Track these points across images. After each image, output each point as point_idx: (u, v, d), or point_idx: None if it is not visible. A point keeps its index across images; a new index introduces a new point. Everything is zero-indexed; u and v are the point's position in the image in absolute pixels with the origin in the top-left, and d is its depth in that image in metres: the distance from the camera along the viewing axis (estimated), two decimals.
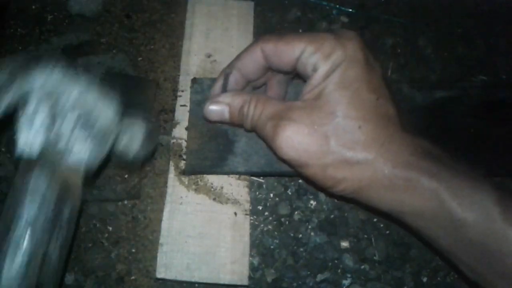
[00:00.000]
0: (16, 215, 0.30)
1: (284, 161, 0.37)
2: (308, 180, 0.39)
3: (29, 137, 0.31)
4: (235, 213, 0.44)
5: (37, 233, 0.30)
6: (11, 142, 0.32)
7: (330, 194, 0.40)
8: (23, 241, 0.29)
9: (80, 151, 0.33)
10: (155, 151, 0.42)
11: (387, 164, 0.34)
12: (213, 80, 0.47)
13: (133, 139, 0.36)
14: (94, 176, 0.36)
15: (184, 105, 0.48)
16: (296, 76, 0.42)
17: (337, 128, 0.34)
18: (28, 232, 0.30)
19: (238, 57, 0.40)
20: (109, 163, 0.42)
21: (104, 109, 0.34)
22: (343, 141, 0.34)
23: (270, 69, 0.40)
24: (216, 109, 0.40)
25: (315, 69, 0.36)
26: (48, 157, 0.32)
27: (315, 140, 0.35)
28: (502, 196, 0.32)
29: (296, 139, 0.35)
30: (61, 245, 0.32)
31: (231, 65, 0.41)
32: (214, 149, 0.44)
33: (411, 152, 0.34)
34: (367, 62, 0.36)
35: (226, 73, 0.40)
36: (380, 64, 0.38)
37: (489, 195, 0.32)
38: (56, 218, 0.31)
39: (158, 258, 0.42)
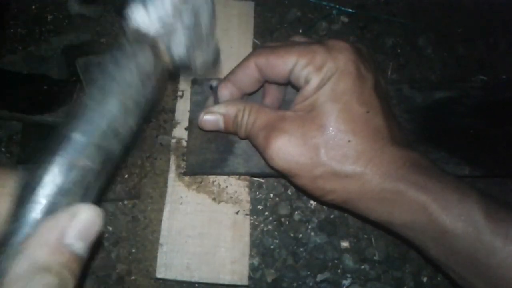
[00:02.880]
0: (115, 80, 0.28)
1: (275, 170, 0.38)
2: (299, 188, 0.39)
3: (151, 15, 0.30)
4: (235, 213, 0.44)
5: (129, 105, 0.28)
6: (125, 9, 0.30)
7: (320, 202, 0.41)
8: (113, 107, 0.27)
9: (181, 49, 0.32)
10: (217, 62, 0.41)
11: (375, 177, 0.34)
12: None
13: (208, 50, 0.37)
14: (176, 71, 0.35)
15: (184, 106, 0.48)
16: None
17: (328, 141, 0.35)
18: (121, 96, 0.28)
19: (232, 72, 0.41)
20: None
21: (209, 16, 0.35)
22: (333, 154, 0.35)
23: (265, 81, 0.41)
24: (211, 119, 0.40)
25: (307, 81, 0.36)
26: (158, 40, 0.31)
27: (305, 152, 0.35)
28: (489, 207, 0.33)
29: (287, 150, 0.36)
30: (136, 122, 0.30)
31: (226, 79, 0.42)
32: (214, 150, 0.44)
33: (399, 166, 0.35)
34: (358, 74, 0.36)
35: (210, 86, 0.41)
36: (376, 73, 0.38)
37: (476, 207, 0.33)
38: (142, 100, 0.30)
39: (158, 258, 0.42)
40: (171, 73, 0.34)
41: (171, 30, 0.31)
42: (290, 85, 0.43)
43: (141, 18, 0.30)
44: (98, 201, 0.27)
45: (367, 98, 0.36)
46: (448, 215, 0.33)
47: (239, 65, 0.41)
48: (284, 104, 0.45)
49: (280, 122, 0.37)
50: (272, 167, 0.38)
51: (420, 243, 0.36)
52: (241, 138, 0.42)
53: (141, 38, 0.30)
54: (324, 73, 0.36)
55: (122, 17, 0.31)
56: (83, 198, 0.25)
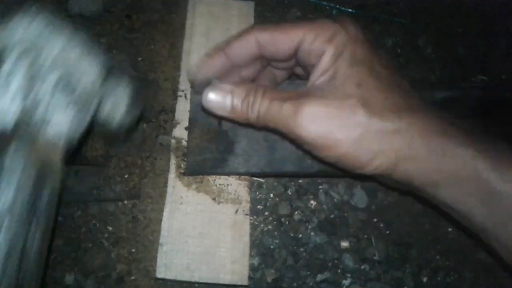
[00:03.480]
0: None
1: (306, 145, 0.34)
2: (335, 166, 0.35)
3: (4, 105, 0.27)
4: (235, 213, 0.44)
5: (15, 223, 0.26)
6: None
7: (361, 176, 0.36)
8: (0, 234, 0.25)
9: (60, 121, 0.28)
10: (141, 119, 0.37)
11: (422, 132, 0.32)
12: None
13: (118, 103, 0.32)
14: (74, 151, 0.32)
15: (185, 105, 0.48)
16: (292, 71, 0.41)
17: (364, 99, 0.32)
18: (6, 221, 0.25)
19: (228, 44, 0.37)
20: (90, 134, 0.37)
21: (88, 69, 0.29)
22: (373, 110, 0.32)
23: (261, 58, 0.38)
24: (217, 98, 0.35)
25: (319, 54, 0.34)
26: (25, 129, 0.27)
27: (342, 112, 0.32)
28: None
29: (322, 113, 0.32)
30: (41, 236, 0.28)
31: (220, 49, 0.38)
32: (214, 150, 0.44)
33: (441, 121, 0.33)
34: (370, 42, 0.35)
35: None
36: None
37: None
38: (35, 203, 0.27)
39: (158, 258, 0.42)
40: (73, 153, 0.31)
41: (33, 110, 0.27)
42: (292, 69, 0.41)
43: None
44: None
45: (386, 62, 0.35)
46: (499, 174, 0.31)
47: (237, 38, 0.37)
48: None
49: (307, 92, 0.34)
50: (303, 141, 0.34)
51: (465, 206, 0.33)
52: (250, 124, 0.37)
53: (2, 139, 0.27)
54: (337, 43, 0.34)
55: None
56: None
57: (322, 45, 0.34)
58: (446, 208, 0.35)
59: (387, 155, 0.33)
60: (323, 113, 0.32)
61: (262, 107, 0.34)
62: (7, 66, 0.27)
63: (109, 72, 0.32)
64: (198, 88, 0.39)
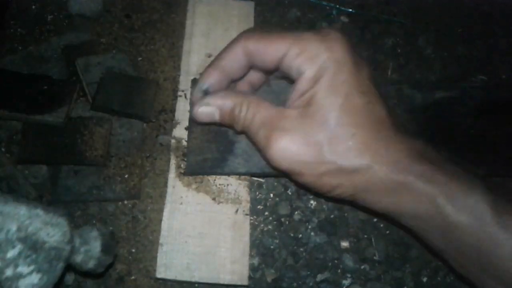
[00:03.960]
0: None
1: (277, 170, 0.37)
2: (303, 187, 0.39)
3: None
4: (235, 213, 0.44)
5: None
6: None
7: (326, 197, 0.41)
8: None
9: (28, 284, 0.31)
10: (115, 260, 0.41)
11: (382, 169, 0.34)
12: None
13: (88, 256, 0.35)
14: None
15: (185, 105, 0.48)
16: (281, 76, 0.42)
17: (331, 137, 0.34)
18: None
19: (219, 57, 0.39)
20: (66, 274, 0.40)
21: (51, 233, 0.32)
22: (337, 149, 0.34)
23: (252, 67, 0.39)
24: (206, 111, 0.39)
25: (300, 73, 0.35)
26: None
27: (309, 151, 0.35)
28: (495, 199, 0.33)
29: (290, 150, 0.35)
30: None
31: (213, 65, 0.39)
32: (214, 150, 0.44)
33: (406, 155, 0.34)
34: (354, 64, 0.35)
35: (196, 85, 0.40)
36: (368, 62, 0.37)
37: (482, 198, 0.33)
38: None
39: (158, 258, 0.42)
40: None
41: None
42: (277, 76, 0.42)
43: None
44: None
45: (366, 88, 0.35)
46: (454, 206, 0.33)
47: (226, 49, 0.39)
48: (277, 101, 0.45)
49: (280, 120, 0.36)
50: (274, 167, 0.37)
51: (425, 234, 0.36)
52: (237, 133, 0.41)
53: None
54: (319, 64, 0.34)
55: None
56: None
57: (304, 63, 0.35)
58: (408, 230, 0.38)
59: (346, 189, 0.36)
60: (292, 150, 0.35)
61: (245, 123, 0.38)
62: None
63: (78, 228, 0.35)
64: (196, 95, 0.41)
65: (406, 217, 0.36)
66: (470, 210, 0.32)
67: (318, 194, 0.39)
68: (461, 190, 0.33)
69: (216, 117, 0.39)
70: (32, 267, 0.31)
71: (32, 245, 0.31)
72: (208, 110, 0.39)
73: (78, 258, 0.34)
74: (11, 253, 0.31)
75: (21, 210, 0.32)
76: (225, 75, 0.39)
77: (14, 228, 0.31)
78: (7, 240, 0.31)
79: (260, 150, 0.38)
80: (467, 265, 0.35)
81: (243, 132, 0.39)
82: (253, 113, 0.37)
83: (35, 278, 0.31)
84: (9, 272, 0.30)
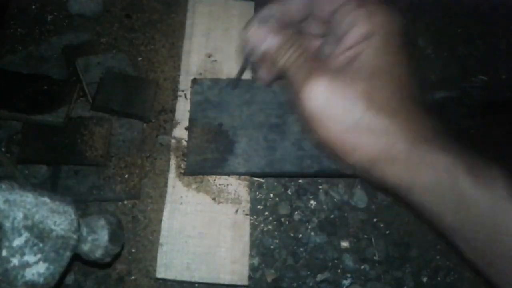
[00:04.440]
0: None
1: (303, 112, 0.36)
2: (322, 145, 0.37)
3: None
4: (235, 213, 0.44)
5: None
6: None
7: (342, 163, 0.37)
8: None
9: (34, 273, 0.31)
10: (123, 248, 0.40)
11: (408, 137, 0.33)
12: (214, 81, 0.47)
13: (96, 245, 0.34)
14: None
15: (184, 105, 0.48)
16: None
17: (370, 93, 0.34)
18: None
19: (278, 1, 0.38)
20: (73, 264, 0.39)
21: (58, 221, 0.32)
22: (372, 106, 0.33)
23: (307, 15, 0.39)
24: (259, 32, 0.37)
25: (352, 26, 0.35)
26: (3, 275, 0.30)
27: (343, 100, 0.34)
28: (511, 178, 0.33)
29: (325, 95, 0.34)
30: None
31: (270, 7, 0.38)
32: (214, 150, 0.44)
33: (429, 129, 0.34)
34: (402, 39, 0.35)
35: (246, 57, 0.39)
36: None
37: (499, 174, 0.32)
38: None
39: (158, 258, 0.42)
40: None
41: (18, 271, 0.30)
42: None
43: None
44: None
45: (405, 61, 0.35)
46: (473, 181, 0.32)
47: None
48: (277, 101, 0.45)
49: (324, 66, 0.35)
50: (303, 110, 0.35)
51: (437, 208, 0.35)
52: (274, 70, 0.39)
53: None
54: (374, 23, 0.34)
55: None
56: None
57: (359, 18, 0.34)
58: (417, 207, 0.36)
59: (367, 152, 0.34)
60: (327, 95, 0.34)
61: (290, 59, 0.36)
62: None
63: (86, 216, 0.35)
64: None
65: (422, 190, 0.35)
66: (489, 186, 0.32)
67: (337, 156, 0.36)
68: (480, 165, 0.33)
69: (265, 44, 0.37)
70: (38, 256, 0.31)
71: (39, 234, 0.31)
72: (261, 32, 0.37)
73: (85, 247, 0.34)
74: (17, 242, 0.30)
75: (28, 198, 0.31)
76: (285, 11, 0.38)
77: (20, 216, 0.31)
78: (13, 228, 0.30)
79: (295, 90, 0.36)
80: (478, 244, 0.34)
81: (282, 70, 0.37)
82: (301, 51, 0.36)
83: (41, 267, 0.31)
84: (15, 261, 0.30)
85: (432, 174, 0.34)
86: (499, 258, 0.33)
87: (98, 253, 0.34)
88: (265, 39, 0.37)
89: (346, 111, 0.34)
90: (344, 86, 0.34)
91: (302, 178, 0.48)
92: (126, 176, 0.45)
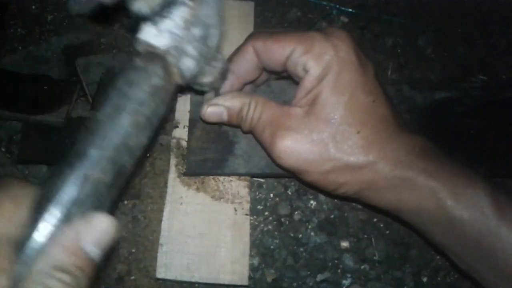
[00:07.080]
0: (127, 97, 0.28)
1: (282, 169, 0.38)
2: (308, 185, 0.39)
3: (169, 27, 0.30)
4: (235, 213, 0.44)
5: (141, 118, 0.28)
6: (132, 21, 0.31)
7: (331, 195, 0.41)
8: (126, 126, 0.28)
9: (192, 62, 0.32)
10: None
11: (387, 166, 0.34)
12: None
13: (215, 71, 0.36)
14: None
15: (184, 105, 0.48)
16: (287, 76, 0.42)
17: (336, 135, 0.35)
18: (134, 117, 0.28)
19: (230, 60, 0.40)
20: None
21: (218, 31, 0.33)
22: (343, 147, 0.35)
23: (260, 67, 0.40)
24: (215, 111, 0.39)
25: (306, 70, 0.35)
26: (172, 54, 0.31)
27: (314, 149, 0.35)
28: (496, 194, 0.33)
29: (295, 149, 0.35)
30: (146, 141, 0.30)
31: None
32: (214, 150, 0.44)
33: (409, 152, 0.35)
34: (360, 63, 0.35)
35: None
36: (372, 62, 0.37)
37: (483, 193, 0.33)
38: (155, 112, 0.30)
39: (158, 258, 0.42)
40: (182, 88, 0.34)
41: (181, 46, 0.31)
42: (286, 77, 0.42)
43: (152, 35, 0.30)
44: (111, 212, 0.27)
45: (371, 87, 0.36)
46: (456, 201, 0.33)
47: (237, 52, 0.39)
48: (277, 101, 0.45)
49: (286, 119, 0.36)
50: (279, 166, 0.37)
51: (426, 228, 0.36)
52: (244, 132, 0.41)
53: (152, 55, 0.30)
54: (324, 62, 0.34)
55: (134, 34, 0.31)
56: (97, 209, 0.26)
57: (309, 61, 0.35)
58: (409, 225, 0.38)
59: (351, 187, 0.36)
60: (297, 148, 0.35)
61: (252, 122, 0.38)
62: (177, 10, 0.31)
63: None
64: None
65: (409, 212, 0.36)
66: (472, 204, 0.33)
67: (323, 192, 0.39)
68: (463, 185, 0.34)
69: (225, 117, 0.39)
70: (200, 52, 0.32)
71: (207, 32, 0.32)
72: (217, 110, 0.39)
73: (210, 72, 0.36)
74: (197, 32, 0.32)
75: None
76: (236, 77, 0.40)
77: (207, 8, 0.32)
78: (198, 18, 0.31)
79: (266, 149, 0.38)
80: (468, 259, 0.35)
81: (250, 132, 0.40)
82: (260, 112, 0.37)
83: (195, 63, 0.32)
84: (181, 49, 0.31)
85: (416, 198, 0.35)
86: (491, 272, 0.34)
87: (211, 79, 0.36)
88: (221, 114, 0.39)
89: (319, 157, 0.35)
90: (310, 135, 0.35)
91: None
92: None
